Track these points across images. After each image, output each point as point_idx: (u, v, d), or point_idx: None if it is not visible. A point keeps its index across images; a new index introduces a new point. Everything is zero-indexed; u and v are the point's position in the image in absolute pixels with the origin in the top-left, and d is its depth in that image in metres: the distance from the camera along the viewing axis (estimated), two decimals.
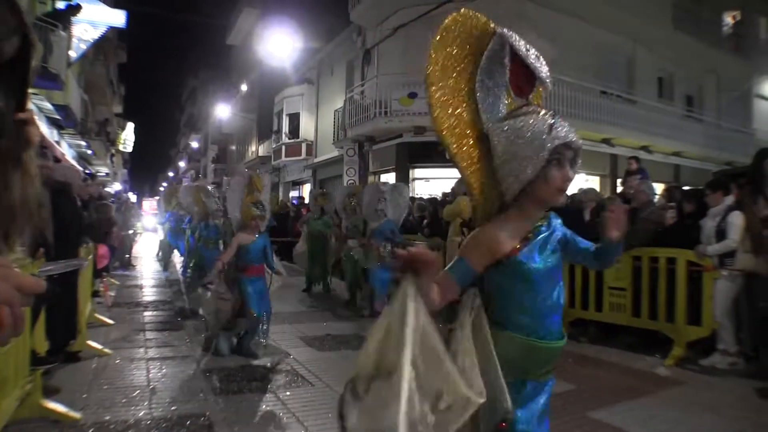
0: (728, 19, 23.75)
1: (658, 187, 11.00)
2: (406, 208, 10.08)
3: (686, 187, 9.71)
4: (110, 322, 8.12)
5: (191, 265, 10.53)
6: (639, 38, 19.70)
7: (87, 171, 22.73)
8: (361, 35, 21.27)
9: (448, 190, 10.36)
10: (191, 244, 10.86)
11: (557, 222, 2.28)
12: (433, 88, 2.18)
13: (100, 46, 25.30)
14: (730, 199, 6.64)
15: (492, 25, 2.34)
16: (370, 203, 9.41)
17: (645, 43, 19.97)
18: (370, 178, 19.68)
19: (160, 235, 18.60)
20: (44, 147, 12.62)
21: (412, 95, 16.98)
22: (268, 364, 6.27)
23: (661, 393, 5.50)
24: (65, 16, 17.60)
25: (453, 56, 2.20)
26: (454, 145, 2.13)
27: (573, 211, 8.58)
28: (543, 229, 2.18)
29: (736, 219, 6.29)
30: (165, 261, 15.89)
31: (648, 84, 20.69)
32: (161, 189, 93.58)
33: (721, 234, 6.45)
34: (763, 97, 25.72)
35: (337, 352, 6.90)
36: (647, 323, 7.12)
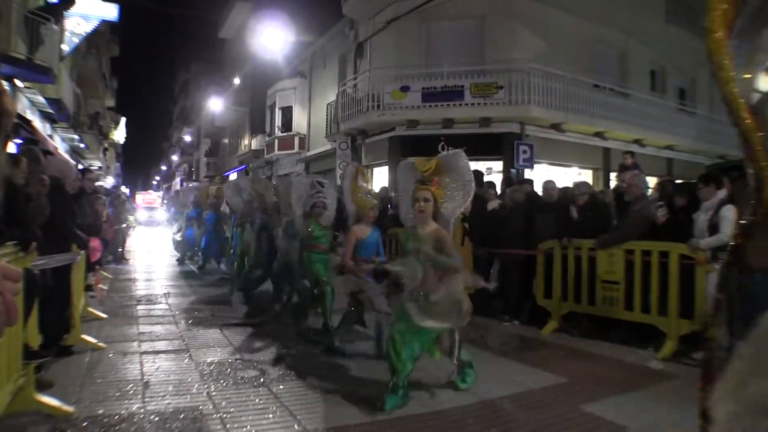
0: None
1: (651, 181, 11.02)
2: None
3: (678, 181, 9.74)
4: (103, 315, 8.11)
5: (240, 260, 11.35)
6: (631, 31, 19.71)
7: (81, 166, 22.65)
8: (353, 29, 21.22)
9: None
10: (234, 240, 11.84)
11: None
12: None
13: (92, 39, 25.25)
14: (722, 193, 6.66)
15: None
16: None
17: (637, 36, 19.98)
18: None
19: (176, 231, 18.76)
20: (37, 140, 12.58)
21: (405, 89, 16.97)
22: (262, 358, 6.28)
23: (653, 386, 5.52)
24: (58, 10, 17.55)
25: None
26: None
27: (560, 207, 8.62)
28: None
29: (729, 213, 6.32)
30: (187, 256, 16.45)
31: (641, 77, 20.71)
32: (154, 182, 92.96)
33: (713, 228, 6.47)
34: (756, 91, 25.74)
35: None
36: (640, 317, 7.15)
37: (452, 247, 4.87)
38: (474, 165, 14.72)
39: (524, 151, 15.66)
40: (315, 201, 7.69)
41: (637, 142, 18.84)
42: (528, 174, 15.23)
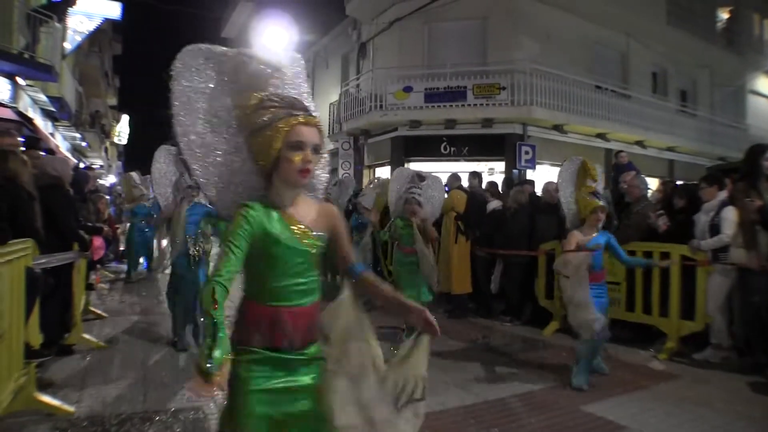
0: (722, 14, 23.74)
1: (652, 182, 11.00)
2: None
3: (679, 182, 9.73)
4: (105, 314, 8.11)
5: None
6: (633, 33, 19.67)
7: (83, 164, 22.67)
8: (356, 29, 21.20)
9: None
10: None
11: None
12: None
13: (95, 37, 25.22)
14: (723, 194, 6.66)
15: None
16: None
17: (639, 38, 19.94)
18: (365, 173, 19.68)
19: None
20: (38, 138, 12.58)
21: (408, 89, 16.96)
22: None
23: (655, 387, 5.53)
24: (60, 8, 17.54)
25: None
26: None
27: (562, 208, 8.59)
28: None
29: (730, 214, 6.32)
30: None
31: (642, 79, 20.67)
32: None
33: (714, 229, 6.47)
34: (756, 93, 25.76)
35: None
36: (641, 317, 7.16)
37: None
38: (476, 166, 14.83)
39: (526, 152, 15.63)
40: (407, 197, 7.13)
41: (638, 143, 18.81)
42: (530, 175, 15.20)
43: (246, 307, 2.29)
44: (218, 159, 2.36)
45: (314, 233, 2.28)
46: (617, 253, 5.62)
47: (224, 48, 2.41)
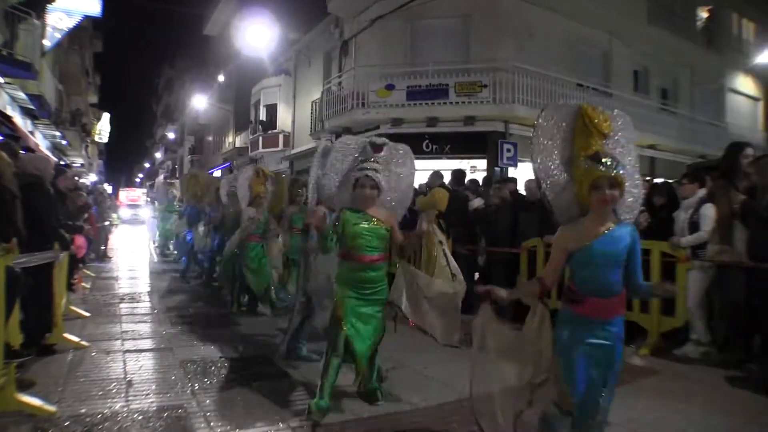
0: (702, 13, 23.97)
1: None
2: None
3: (657, 180, 9.81)
4: (86, 314, 8.06)
5: None
6: (615, 32, 19.84)
7: (62, 162, 22.46)
8: (338, 26, 21.20)
9: (424, 182, 10.34)
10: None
11: None
12: None
13: (75, 35, 25.01)
14: (702, 192, 6.73)
15: None
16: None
17: (621, 37, 20.11)
18: None
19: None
20: (18, 137, 12.46)
21: (390, 87, 17.00)
22: (246, 356, 6.28)
23: (636, 382, 5.57)
24: (39, 5, 17.37)
25: None
26: None
27: (543, 205, 8.63)
28: None
29: (708, 211, 6.39)
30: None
31: (624, 77, 20.84)
32: (137, 180, 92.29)
33: (694, 226, 6.54)
34: (735, 92, 26.07)
35: (315, 343, 6.89)
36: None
37: None
38: (458, 163, 14.87)
39: (508, 150, 15.71)
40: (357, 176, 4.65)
41: None
42: (512, 172, 15.29)
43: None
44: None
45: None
46: (632, 273, 3.21)
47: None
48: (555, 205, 3.37)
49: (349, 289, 4.52)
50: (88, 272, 12.16)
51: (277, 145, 27.06)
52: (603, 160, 3.06)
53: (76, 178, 13.71)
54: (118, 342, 6.78)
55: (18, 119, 16.36)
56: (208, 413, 4.46)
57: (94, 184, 29.81)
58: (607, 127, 3.28)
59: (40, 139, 21.33)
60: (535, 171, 3.38)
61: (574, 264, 3.21)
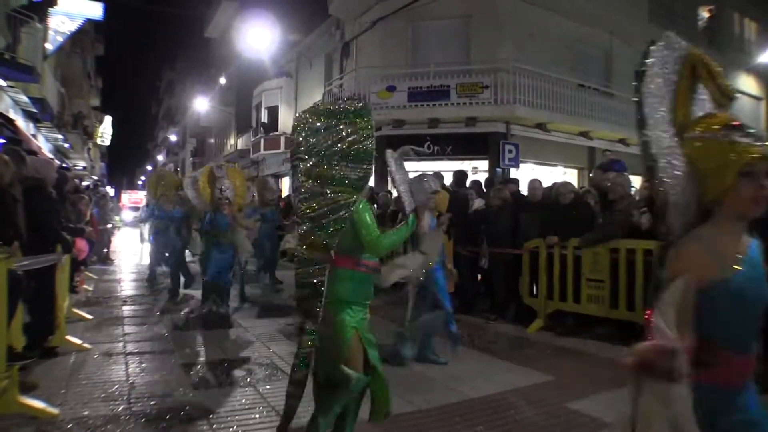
0: (703, 13, 23.96)
1: (636, 180, 11.08)
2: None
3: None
4: (88, 317, 8.07)
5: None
6: (615, 31, 19.82)
7: (64, 165, 22.49)
8: (339, 28, 21.21)
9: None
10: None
11: None
12: None
13: (76, 38, 25.03)
14: None
15: None
16: None
17: (621, 37, 20.08)
18: None
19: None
20: (20, 140, 12.47)
21: (391, 88, 16.99)
22: (247, 358, 6.27)
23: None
24: (41, 8, 17.38)
25: None
26: None
27: (545, 206, 8.64)
28: None
29: None
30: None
31: (625, 77, 20.79)
32: (139, 182, 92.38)
33: None
34: (737, 91, 25.92)
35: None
36: (625, 314, 7.19)
37: None
38: (460, 164, 14.85)
39: (510, 151, 15.71)
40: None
41: (621, 141, 18.92)
42: (513, 173, 15.30)
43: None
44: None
45: None
46: None
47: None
48: (674, 202, 2.00)
49: (359, 311, 3.57)
50: (91, 275, 12.17)
51: (279, 147, 27.04)
52: (750, 131, 2.00)
53: (77, 180, 13.71)
54: (121, 344, 6.78)
55: (20, 122, 16.38)
56: (211, 415, 4.46)
57: (93, 185, 29.77)
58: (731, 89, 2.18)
59: (43, 142, 21.35)
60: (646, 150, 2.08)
61: (713, 303, 1.89)
